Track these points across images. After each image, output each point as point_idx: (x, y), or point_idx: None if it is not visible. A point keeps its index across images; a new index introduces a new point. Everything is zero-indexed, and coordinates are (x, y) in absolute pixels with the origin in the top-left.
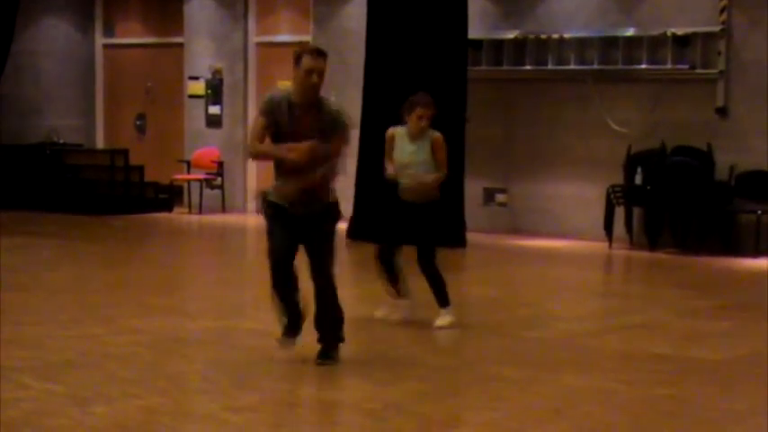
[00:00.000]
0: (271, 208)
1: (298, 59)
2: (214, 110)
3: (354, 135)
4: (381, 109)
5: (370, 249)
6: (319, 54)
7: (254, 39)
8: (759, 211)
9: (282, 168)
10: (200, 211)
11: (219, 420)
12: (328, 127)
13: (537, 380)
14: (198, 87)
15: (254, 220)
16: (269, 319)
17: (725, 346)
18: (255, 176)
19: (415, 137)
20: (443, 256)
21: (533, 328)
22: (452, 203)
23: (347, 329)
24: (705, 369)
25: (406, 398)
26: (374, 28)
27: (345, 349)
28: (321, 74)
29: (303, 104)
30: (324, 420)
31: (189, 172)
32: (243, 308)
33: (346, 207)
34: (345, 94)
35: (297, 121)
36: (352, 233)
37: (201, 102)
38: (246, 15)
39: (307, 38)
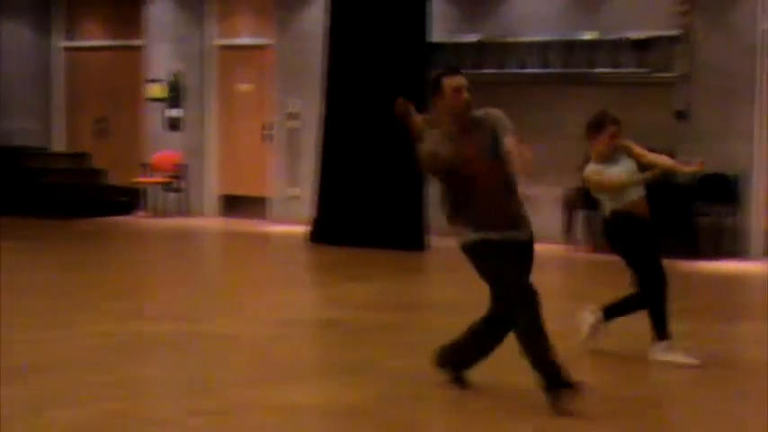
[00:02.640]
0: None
1: (437, 84)
2: (174, 113)
3: (314, 137)
4: (343, 112)
5: (333, 252)
6: (456, 71)
7: (214, 41)
8: (720, 214)
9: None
10: (160, 215)
11: (179, 425)
12: (497, 136)
13: (498, 382)
14: (157, 90)
15: (213, 224)
16: (228, 323)
17: (686, 348)
18: (218, 180)
19: (608, 158)
20: (404, 259)
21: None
22: (413, 206)
23: (312, 332)
24: (668, 371)
25: (368, 401)
26: (335, 31)
27: (307, 352)
28: (468, 89)
29: (462, 128)
30: (285, 424)
31: (150, 175)
32: (202, 312)
33: (307, 211)
34: (307, 96)
35: (464, 149)
36: (316, 236)
37: (162, 105)
38: (207, 18)
39: (268, 41)
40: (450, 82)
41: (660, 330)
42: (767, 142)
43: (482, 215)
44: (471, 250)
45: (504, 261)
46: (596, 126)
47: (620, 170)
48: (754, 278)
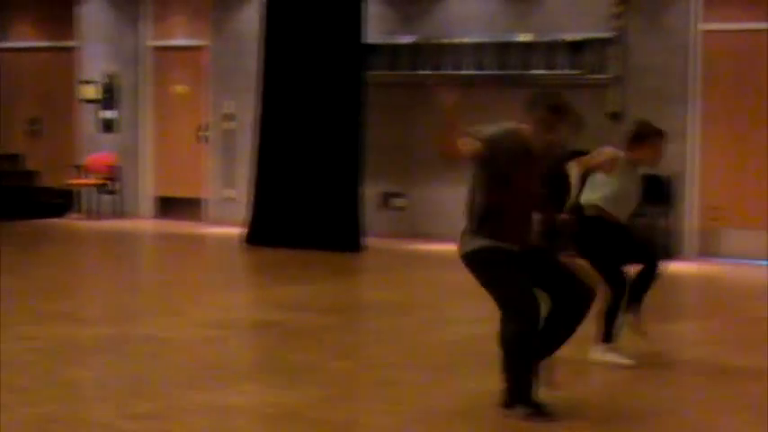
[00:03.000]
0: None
1: (561, 110)
2: (108, 114)
3: (251, 139)
4: (279, 113)
5: (269, 254)
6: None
7: (149, 42)
8: (654, 215)
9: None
10: (94, 217)
11: (116, 428)
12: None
13: (436, 383)
14: (91, 91)
15: (149, 226)
16: (164, 325)
17: (626, 348)
18: (153, 181)
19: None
20: (340, 261)
21: (432, 332)
22: (350, 208)
23: (248, 333)
24: (605, 371)
25: (303, 403)
26: (270, 32)
27: (243, 354)
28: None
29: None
30: (221, 426)
31: (84, 177)
32: (137, 314)
33: (243, 212)
34: (242, 98)
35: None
36: (252, 238)
37: (96, 106)
38: (142, 19)
39: (204, 42)
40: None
41: (608, 333)
42: (700, 143)
43: (507, 229)
44: (481, 255)
45: (515, 268)
46: (642, 135)
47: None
48: (688, 278)
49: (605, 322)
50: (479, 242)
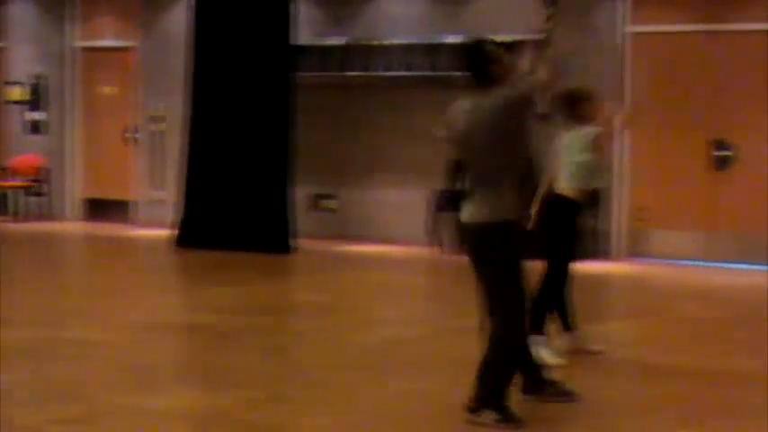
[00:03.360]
0: (506, 230)
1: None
2: (36, 116)
3: (180, 141)
4: (208, 114)
5: (199, 255)
6: None
7: (77, 43)
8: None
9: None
10: (22, 219)
11: None
12: None
13: (365, 384)
14: (18, 93)
15: (76, 228)
16: (91, 328)
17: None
18: (82, 183)
19: None
20: (270, 263)
21: (361, 333)
22: (279, 209)
23: (177, 336)
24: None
25: (233, 405)
26: (199, 33)
27: (172, 356)
28: None
29: None
30: (148, 429)
31: (11, 179)
32: (65, 317)
33: (172, 214)
34: (172, 98)
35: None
36: (181, 240)
37: (22, 107)
38: (69, 19)
39: (132, 43)
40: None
41: (541, 325)
42: (629, 144)
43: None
44: (499, 230)
45: (521, 266)
46: (588, 96)
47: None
48: (617, 279)
49: (538, 314)
50: (502, 211)
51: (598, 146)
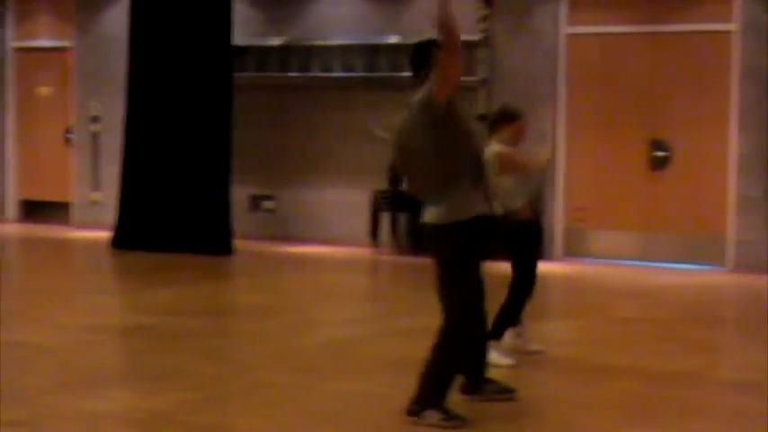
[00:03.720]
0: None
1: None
2: None
3: (118, 142)
4: (146, 116)
5: (138, 257)
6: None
7: (12, 44)
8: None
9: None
10: None
11: None
12: None
13: (306, 385)
14: None
15: (13, 230)
16: (31, 330)
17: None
18: (17, 185)
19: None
20: (210, 264)
21: (302, 334)
22: (219, 210)
23: (118, 338)
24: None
25: (173, 407)
26: (137, 34)
27: (113, 358)
28: None
29: None
30: (90, 431)
31: None
32: (3, 319)
33: (110, 216)
34: (109, 100)
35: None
36: (120, 241)
37: None
38: (4, 20)
39: (68, 43)
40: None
41: (501, 330)
42: (566, 145)
43: (488, 189)
44: (468, 228)
45: (476, 267)
46: (510, 117)
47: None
48: (556, 278)
49: (499, 319)
50: (481, 205)
51: (503, 166)
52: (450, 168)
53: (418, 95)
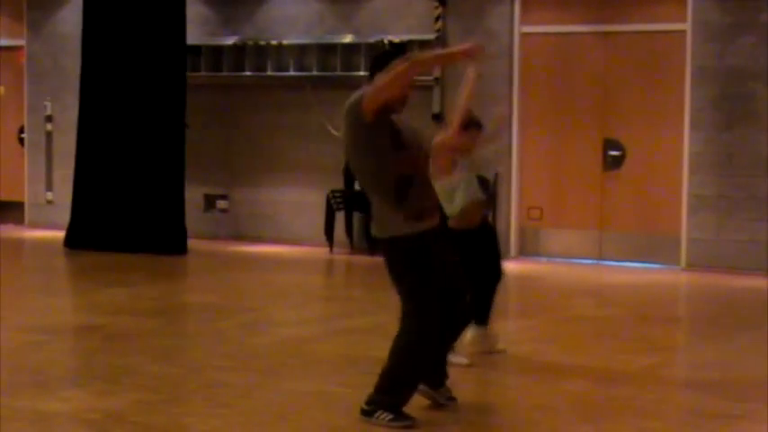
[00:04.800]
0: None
1: (386, 62)
2: None
3: (71, 141)
4: (99, 116)
5: (91, 257)
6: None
7: None
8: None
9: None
10: None
11: None
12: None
13: (261, 385)
14: None
15: None
16: None
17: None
18: None
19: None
20: (163, 264)
21: (256, 334)
22: (173, 210)
23: (69, 338)
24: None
25: (127, 407)
26: (90, 33)
27: (64, 359)
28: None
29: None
30: (43, 431)
31: None
32: None
33: (63, 215)
34: (61, 99)
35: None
36: (73, 241)
37: None
38: None
39: (20, 42)
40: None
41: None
42: (520, 144)
43: (421, 204)
44: (408, 243)
45: (438, 265)
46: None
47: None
48: (510, 277)
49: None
50: (407, 224)
51: (434, 157)
52: (369, 183)
53: (351, 97)
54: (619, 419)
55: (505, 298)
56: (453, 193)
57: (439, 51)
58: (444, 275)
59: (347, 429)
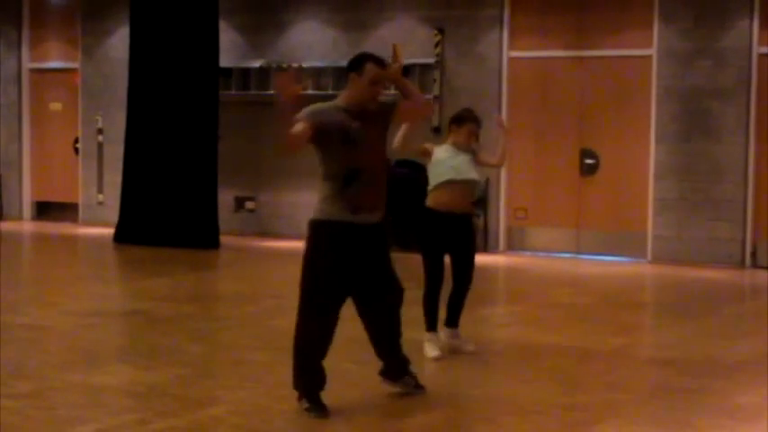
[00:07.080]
0: (329, 228)
1: (360, 64)
2: None
3: (119, 150)
4: (144, 128)
5: (136, 251)
6: (382, 62)
7: (27, 65)
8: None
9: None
10: None
11: None
12: (388, 114)
13: (283, 362)
14: None
15: (28, 227)
16: (40, 314)
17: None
18: (31, 187)
19: (463, 149)
20: (198, 257)
21: (279, 318)
22: (207, 210)
23: (117, 321)
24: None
25: (166, 381)
26: (136, 57)
27: (111, 339)
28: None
29: (364, 113)
30: (93, 402)
31: None
32: (16, 305)
33: (112, 215)
34: (111, 114)
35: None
36: (120, 237)
37: None
38: (20, 43)
39: (75, 65)
40: (373, 69)
41: (432, 324)
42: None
43: (360, 199)
44: (326, 228)
45: (340, 256)
46: (457, 120)
47: (457, 161)
48: (498, 269)
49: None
50: (335, 212)
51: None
52: (323, 168)
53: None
54: (593, 392)
55: (494, 287)
56: (444, 163)
57: (279, 108)
58: (347, 282)
59: (357, 400)
